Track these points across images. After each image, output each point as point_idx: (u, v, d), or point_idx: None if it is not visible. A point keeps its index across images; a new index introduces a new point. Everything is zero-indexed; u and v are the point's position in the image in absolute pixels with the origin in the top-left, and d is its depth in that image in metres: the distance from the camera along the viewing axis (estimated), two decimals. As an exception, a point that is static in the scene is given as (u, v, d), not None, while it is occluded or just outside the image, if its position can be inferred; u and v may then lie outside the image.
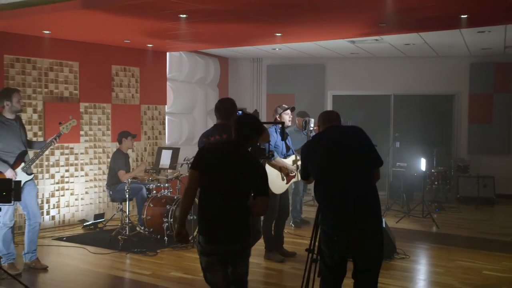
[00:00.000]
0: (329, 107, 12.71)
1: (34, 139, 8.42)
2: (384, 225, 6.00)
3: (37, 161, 7.30)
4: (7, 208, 6.32)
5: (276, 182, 7.03)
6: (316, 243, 4.81)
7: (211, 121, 12.62)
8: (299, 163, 6.78)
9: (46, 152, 7.79)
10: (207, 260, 4.18)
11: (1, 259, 6.20)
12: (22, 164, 6.55)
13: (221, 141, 4.92)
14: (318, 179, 4.54)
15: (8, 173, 6.34)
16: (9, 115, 6.55)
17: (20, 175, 6.47)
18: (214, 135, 5.47)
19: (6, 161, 6.41)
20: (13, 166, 6.44)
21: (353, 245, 4.38)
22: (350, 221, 4.33)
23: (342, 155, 4.45)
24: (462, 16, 7.33)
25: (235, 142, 4.38)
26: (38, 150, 6.84)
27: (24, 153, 6.62)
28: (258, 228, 5.99)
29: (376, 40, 10.02)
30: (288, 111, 7.38)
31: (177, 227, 4.22)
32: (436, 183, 11.47)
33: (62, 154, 9.46)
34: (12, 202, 5.70)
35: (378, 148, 4.56)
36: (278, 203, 7.21)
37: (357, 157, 4.45)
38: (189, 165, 4.63)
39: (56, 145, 7.04)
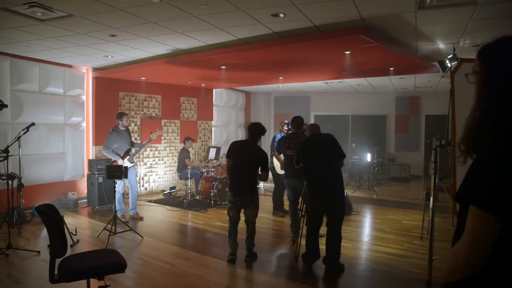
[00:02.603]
0: (312, 122, 12.70)
1: (135, 141, 8.57)
2: (345, 194, 6.02)
3: (137, 155, 7.42)
4: (119, 182, 6.47)
5: (279, 169, 7.06)
6: (304, 205, 4.91)
7: (240, 132, 12.66)
8: None
9: (142, 149, 7.92)
10: (230, 205, 4.57)
11: (117, 212, 6.33)
12: (128, 156, 6.65)
13: (243, 139, 4.87)
14: (306, 165, 4.55)
15: (120, 162, 6.47)
16: (121, 128, 6.66)
17: (127, 163, 6.57)
18: (295, 138, 5.55)
19: (119, 154, 6.55)
20: (123, 157, 6.57)
21: (326, 206, 4.41)
22: (325, 192, 4.37)
23: (321, 151, 4.48)
24: (390, 68, 7.36)
25: (248, 139, 4.63)
26: (137, 148, 6.94)
27: (129, 150, 6.71)
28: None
29: (340, 81, 10.00)
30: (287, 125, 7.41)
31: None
32: (376, 168, 11.39)
33: (151, 150, 9.56)
34: (122, 179, 5.80)
35: (342, 147, 4.57)
36: (282, 179, 7.19)
37: (329, 152, 4.46)
38: (226, 156, 4.87)
39: (148, 145, 7.14)
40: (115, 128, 6.67)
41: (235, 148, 4.61)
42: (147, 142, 6.90)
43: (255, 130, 4.65)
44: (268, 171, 4.54)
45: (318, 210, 4.47)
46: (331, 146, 4.49)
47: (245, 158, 4.51)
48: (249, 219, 4.66)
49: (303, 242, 4.72)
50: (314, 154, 4.47)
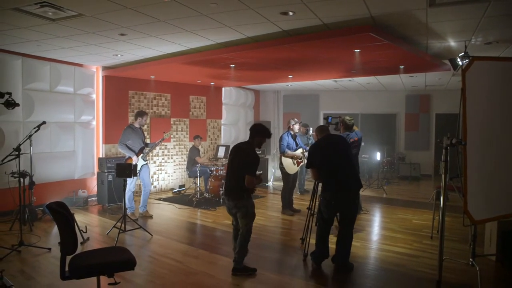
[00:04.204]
0: (321, 121, 12.58)
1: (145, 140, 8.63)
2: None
3: (149, 153, 7.46)
4: (131, 180, 6.49)
5: (290, 167, 7.05)
6: (313, 204, 4.88)
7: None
8: (305, 153, 6.81)
9: (154, 148, 7.98)
10: (226, 208, 4.47)
11: (127, 210, 6.33)
12: (141, 154, 6.69)
13: (245, 141, 4.57)
14: (321, 167, 4.49)
15: (134, 159, 6.52)
16: (137, 125, 6.71)
17: (140, 161, 6.61)
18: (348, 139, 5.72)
19: (134, 151, 6.58)
20: (137, 154, 6.61)
21: (343, 205, 4.41)
22: (341, 192, 4.37)
23: (334, 152, 4.48)
24: (400, 66, 7.31)
25: (248, 141, 4.44)
26: (149, 148, 6.93)
27: (143, 148, 6.75)
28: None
29: (350, 80, 9.95)
30: (298, 124, 7.37)
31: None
32: (385, 167, 11.37)
33: (160, 148, 9.60)
34: (132, 177, 5.77)
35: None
36: (292, 179, 7.20)
37: (341, 153, 4.48)
38: None
39: (161, 144, 7.14)
40: (130, 125, 6.79)
41: (233, 149, 4.49)
42: (160, 141, 6.93)
43: (254, 131, 4.39)
44: (252, 175, 4.14)
45: (333, 210, 4.47)
46: (342, 148, 4.53)
47: (235, 160, 4.34)
48: (240, 226, 4.38)
49: (312, 241, 4.71)
50: (333, 154, 4.47)
